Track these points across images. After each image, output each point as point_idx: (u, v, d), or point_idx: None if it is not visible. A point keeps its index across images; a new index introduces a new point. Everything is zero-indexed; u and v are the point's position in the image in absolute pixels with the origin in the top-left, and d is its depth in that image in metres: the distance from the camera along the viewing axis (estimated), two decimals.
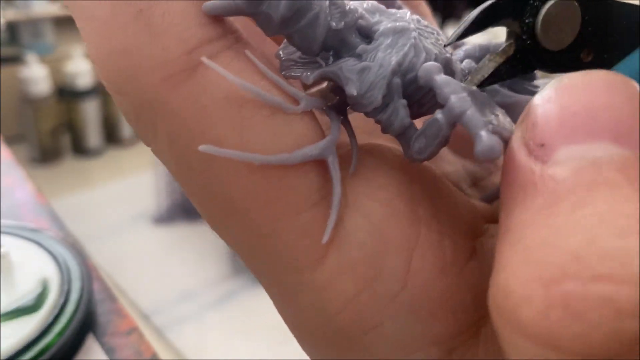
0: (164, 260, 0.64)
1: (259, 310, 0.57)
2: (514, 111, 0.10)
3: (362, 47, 0.10)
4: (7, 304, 0.25)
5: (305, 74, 0.10)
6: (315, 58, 0.10)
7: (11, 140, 0.85)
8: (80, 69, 0.83)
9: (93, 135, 0.87)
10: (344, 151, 0.10)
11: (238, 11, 0.09)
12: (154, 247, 0.65)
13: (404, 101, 0.10)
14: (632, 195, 0.07)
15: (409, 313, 0.09)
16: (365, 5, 0.10)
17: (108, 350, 0.26)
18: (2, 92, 0.83)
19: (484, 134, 0.08)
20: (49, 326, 0.25)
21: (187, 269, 0.63)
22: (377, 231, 0.09)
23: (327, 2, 0.09)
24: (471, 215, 0.10)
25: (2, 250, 0.27)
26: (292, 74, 0.10)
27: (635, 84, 0.08)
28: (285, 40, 0.10)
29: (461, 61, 0.12)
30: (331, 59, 0.10)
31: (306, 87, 0.11)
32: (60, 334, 0.25)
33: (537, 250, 0.07)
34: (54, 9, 0.90)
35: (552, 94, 0.08)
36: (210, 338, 0.54)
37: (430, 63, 0.09)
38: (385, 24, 0.10)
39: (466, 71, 0.11)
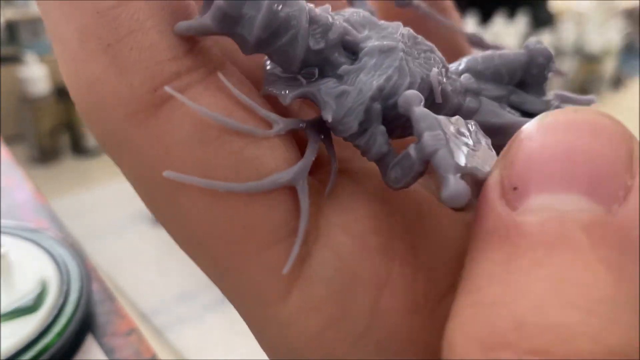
0: (164, 260, 0.63)
1: None
2: (508, 133, 0.10)
3: (344, 67, 0.09)
4: (6, 304, 0.25)
5: (284, 92, 0.09)
6: (297, 75, 0.09)
7: (10, 140, 0.85)
8: None
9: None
10: (325, 174, 0.10)
11: (209, 32, 0.09)
12: (154, 247, 0.65)
13: (382, 128, 0.09)
14: (591, 262, 0.06)
15: (375, 353, 0.09)
16: (355, 17, 0.10)
17: (107, 350, 0.26)
18: (1, 92, 0.83)
19: (451, 178, 0.08)
20: (48, 326, 0.25)
21: (187, 269, 0.63)
22: (345, 267, 0.09)
23: (306, 21, 0.09)
24: (459, 243, 0.10)
25: (1, 250, 0.27)
26: (273, 91, 0.09)
27: (625, 130, 0.07)
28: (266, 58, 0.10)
29: (459, 75, 0.11)
30: (316, 74, 0.09)
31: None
32: (59, 334, 0.25)
33: (485, 308, 0.07)
34: None
35: (534, 131, 0.08)
36: (210, 338, 0.54)
37: (411, 92, 0.09)
38: (371, 42, 0.10)
39: (463, 89, 0.11)
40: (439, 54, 0.10)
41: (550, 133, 0.07)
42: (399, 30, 0.10)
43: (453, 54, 0.13)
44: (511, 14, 1.31)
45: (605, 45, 1.28)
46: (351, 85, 0.09)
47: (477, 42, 0.14)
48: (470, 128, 0.09)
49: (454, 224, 0.10)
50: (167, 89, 0.08)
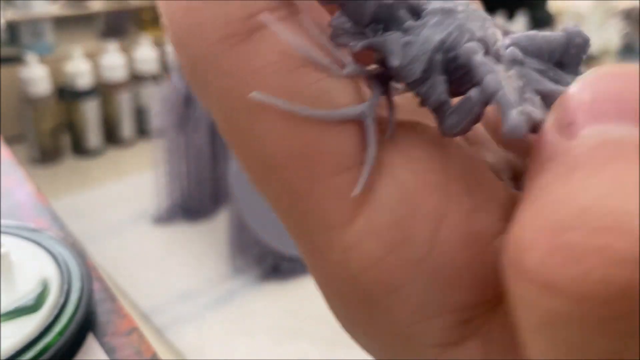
0: (164, 260, 0.64)
1: (259, 311, 0.57)
2: (550, 101, 0.11)
3: (409, 22, 0.10)
4: (7, 304, 0.25)
5: (353, 42, 0.10)
6: (364, 29, 0.10)
7: (11, 140, 0.85)
8: (80, 69, 0.83)
9: (93, 135, 0.87)
10: (383, 125, 0.11)
11: None
12: (154, 247, 0.65)
13: (443, 77, 0.10)
14: None
15: (431, 280, 0.09)
16: None
17: (108, 350, 0.26)
18: (2, 92, 0.83)
19: (512, 112, 0.09)
20: (49, 326, 0.25)
21: (187, 269, 0.63)
22: (407, 199, 0.10)
23: None
24: (505, 200, 0.11)
25: (2, 250, 0.27)
26: (341, 41, 0.10)
27: None
28: (338, 10, 0.11)
29: (506, 48, 0.12)
30: (380, 32, 0.10)
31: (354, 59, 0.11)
32: (60, 333, 0.25)
33: (549, 206, 0.07)
34: (54, 9, 0.90)
35: (586, 80, 0.09)
36: (210, 338, 0.54)
37: (472, 43, 0.10)
38: (433, 4, 0.10)
39: (510, 58, 0.12)
40: (491, 23, 0.11)
41: (601, 80, 0.08)
42: None
43: None
44: (510, 14, 1.31)
45: (604, 46, 1.28)
46: (416, 37, 0.10)
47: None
48: (524, 83, 0.10)
49: (499, 185, 0.11)
50: (264, 16, 0.09)
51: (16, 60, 0.86)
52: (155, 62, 0.88)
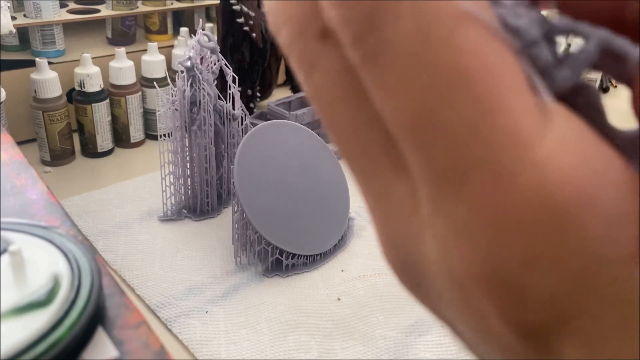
0: (171, 256, 0.64)
1: (262, 305, 0.58)
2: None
3: None
4: (20, 299, 0.26)
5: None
6: None
7: (22, 143, 0.86)
8: (90, 73, 0.85)
9: (102, 136, 0.89)
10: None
11: None
12: (161, 243, 0.66)
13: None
14: None
15: (617, 190, 0.09)
16: None
17: (117, 342, 0.26)
18: (13, 96, 0.85)
19: (631, 48, 0.10)
20: (60, 320, 0.25)
21: (193, 264, 0.63)
22: (581, 126, 0.10)
23: None
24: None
25: (14, 247, 0.28)
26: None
27: None
28: None
29: None
30: None
31: None
32: (70, 327, 0.25)
33: None
34: (64, 15, 0.92)
35: None
36: (215, 330, 0.55)
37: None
38: None
39: None
40: None
41: None
42: None
43: None
44: None
45: None
46: None
47: None
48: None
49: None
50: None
51: (27, 64, 0.87)
52: (162, 66, 0.89)
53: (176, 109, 0.67)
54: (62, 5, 0.94)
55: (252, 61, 0.94)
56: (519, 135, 0.09)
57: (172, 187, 0.71)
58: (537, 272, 0.09)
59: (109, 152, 0.88)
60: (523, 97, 0.09)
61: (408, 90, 0.10)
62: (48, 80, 0.81)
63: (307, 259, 0.64)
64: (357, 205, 0.74)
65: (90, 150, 0.87)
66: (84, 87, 0.85)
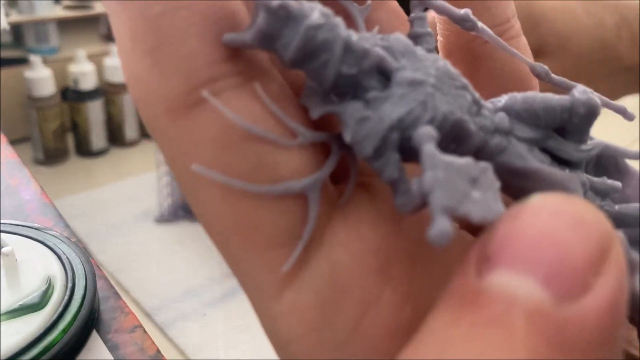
0: (167, 258, 0.64)
1: None
2: (530, 179, 0.10)
3: (372, 94, 0.10)
4: (12, 302, 0.26)
5: (315, 106, 0.10)
6: (330, 94, 0.10)
7: (16, 141, 0.85)
8: (84, 70, 0.84)
9: (97, 136, 0.88)
10: (343, 187, 0.11)
11: (252, 46, 0.10)
12: (157, 245, 0.66)
13: (396, 156, 0.10)
14: (519, 350, 0.07)
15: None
16: (397, 45, 0.10)
17: (112, 347, 0.26)
18: (6, 94, 0.84)
19: (439, 218, 0.08)
20: (53, 323, 0.25)
21: (189, 267, 0.63)
22: (336, 282, 0.10)
23: (342, 48, 0.10)
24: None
25: (7, 248, 0.27)
26: (306, 104, 0.10)
27: (607, 229, 0.08)
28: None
29: (496, 112, 0.11)
30: (348, 94, 0.10)
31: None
32: (64, 331, 0.25)
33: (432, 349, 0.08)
34: (58, 11, 0.91)
35: (522, 208, 0.08)
36: (211, 334, 0.54)
37: (425, 129, 0.09)
38: (404, 73, 0.10)
39: (492, 127, 0.11)
40: (472, 90, 0.11)
41: (534, 215, 0.08)
42: (436, 64, 0.10)
43: (513, 82, 0.13)
44: None
45: None
46: (374, 112, 0.10)
47: (540, 75, 0.13)
48: (482, 171, 0.09)
49: (459, 254, 0.10)
50: (203, 93, 0.09)
51: (20, 61, 0.86)
52: None
53: None
54: (57, 2, 0.93)
55: None
56: (258, 290, 0.10)
57: (168, 187, 0.70)
58: None
59: (103, 152, 0.87)
60: (267, 254, 0.10)
61: None
62: (42, 78, 0.81)
63: None
64: None
65: (85, 150, 0.86)
66: (78, 85, 0.84)
